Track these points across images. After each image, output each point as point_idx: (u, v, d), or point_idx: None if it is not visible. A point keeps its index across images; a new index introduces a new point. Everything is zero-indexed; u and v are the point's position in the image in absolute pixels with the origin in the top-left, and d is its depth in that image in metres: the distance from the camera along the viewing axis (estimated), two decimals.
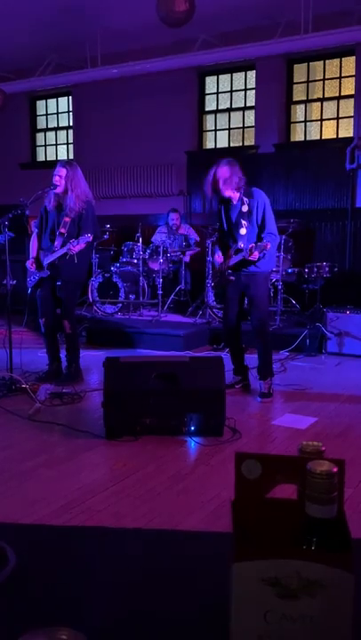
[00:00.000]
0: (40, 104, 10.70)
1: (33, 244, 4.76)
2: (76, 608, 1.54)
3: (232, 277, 4.27)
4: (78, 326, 5.64)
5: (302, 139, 8.55)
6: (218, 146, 9.13)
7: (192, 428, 3.36)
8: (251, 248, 4.03)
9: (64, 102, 10.43)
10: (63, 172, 4.49)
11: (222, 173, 4.15)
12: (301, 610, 0.88)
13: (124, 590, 1.59)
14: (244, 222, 4.17)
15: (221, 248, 4.48)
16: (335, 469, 0.90)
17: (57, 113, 10.58)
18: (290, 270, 6.90)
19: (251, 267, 4.22)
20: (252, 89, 8.72)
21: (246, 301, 4.41)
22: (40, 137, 10.81)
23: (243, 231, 4.17)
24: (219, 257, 4.45)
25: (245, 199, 4.17)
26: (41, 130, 10.78)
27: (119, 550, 1.98)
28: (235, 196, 4.21)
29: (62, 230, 4.49)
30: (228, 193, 4.19)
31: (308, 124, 8.52)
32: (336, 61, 8.18)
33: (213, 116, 9.19)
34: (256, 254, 4.02)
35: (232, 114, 9.05)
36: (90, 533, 2.22)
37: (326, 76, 8.32)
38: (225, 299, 4.53)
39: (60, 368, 4.74)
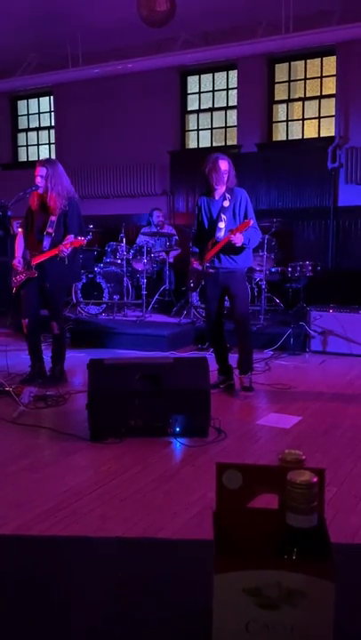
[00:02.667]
0: (21, 104, 10.63)
1: (18, 244, 4.68)
2: (55, 622, 1.54)
3: (211, 270, 4.31)
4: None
5: (284, 138, 8.59)
6: (200, 146, 9.14)
7: (177, 429, 3.36)
8: (233, 230, 4.08)
9: (45, 102, 10.37)
10: (43, 171, 4.47)
11: (224, 166, 4.22)
12: (283, 619, 0.89)
13: (105, 601, 1.59)
14: (223, 217, 4.24)
15: (198, 245, 4.52)
16: (315, 479, 0.90)
17: (38, 113, 10.52)
18: (273, 269, 6.94)
19: (229, 263, 4.26)
20: (234, 88, 8.74)
21: (227, 300, 4.46)
22: (22, 137, 10.74)
23: (221, 225, 4.24)
24: (195, 261, 4.48)
25: (227, 195, 4.24)
26: (22, 130, 10.72)
27: (101, 559, 1.97)
28: (219, 191, 4.26)
29: (50, 230, 4.46)
30: (220, 186, 4.25)
31: (289, 123, 8.56)
32: (317, 61, 8.23)
33: (196, 115, 9.19)
34: (240, 236, 4.07)
35: (214, 113, 9.07)
36: (71, 542, 2.21)
37: (308, 76, 8.36)
38: (205, 298, 4.57)
39: (42, 369, 4.71)
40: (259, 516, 1.03)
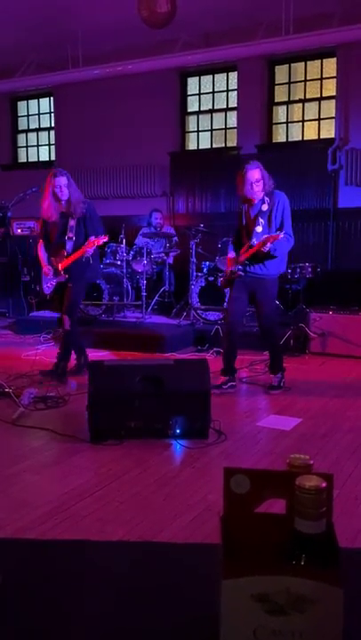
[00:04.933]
0: (21, 105, 10.62)
1: (42, 253, 4.88)
2: (55, 626, 1.53)
3: (241, 273, 4.34)
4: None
5: (284, 140, 8.59)
6: (200, 147, 9.14)
7: (177, 431, 3.35)
8: (265, 238, 4.13)
9: (45, 103, 10.36)
10: (64, 180, 4.64)
11: (254, 175, 4.23)
12: (291, 625, 0.87)
13: (109, 606, 1.58)
14: (261, 220, 4.27)
15: (235, 246, 4.57)
16: (324, 485, 0.89)
17: (38, 114, 10.51)
18: None
19: (258, 268, 4.29)
20: (234, 90, 8.73)
21: (253, 305, 4.53)
22: (21, 138, 10.73)
23: (259, 229, 4.26)
24: (230, 253, 4.52)
25: (267, 199, 4.27)
26: (22, 131, 10.70)
27: (102, 565, 1.96)
28: (259, 195, 4.27)
29: (70, 235, 4.70)
30: (258, 195, 4.28)
31: (289, 125, 8.56)
32: (317, 63, 8.22)
33: (196, 117, 9.19)
34: (268, 245, 4.10)
35: (214, 115, 9.06)
36: (71, 545, 2.20)
37: (308, 78, 8.36)
38: (229, 296, 4.61)
39: (86, 361, 4.84)
40: (266, 521, 1.01)
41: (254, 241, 4.26)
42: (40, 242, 4.89)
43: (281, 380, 4.56)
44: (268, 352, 4.64)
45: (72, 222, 4.65)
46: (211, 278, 6.70)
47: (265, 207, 4.27)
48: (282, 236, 4.10)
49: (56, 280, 4.78)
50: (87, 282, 5.14)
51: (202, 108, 9.13)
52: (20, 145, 10.73)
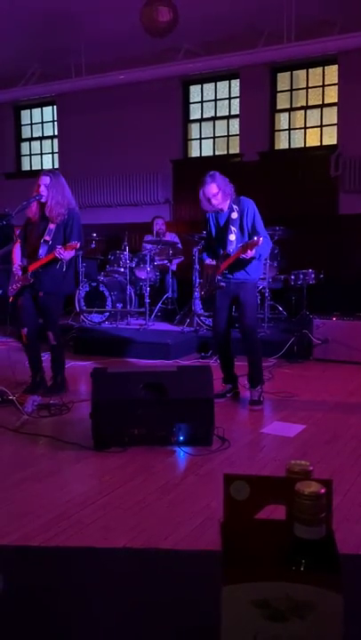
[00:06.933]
0: (24, 113, 10.69)
1: (16, 253, 4.66)
2: (58, 634, 1.53)
3: (222, 283, 4.29)
4: (65, 336, 5.61)
5: (286, 146, 8.62)
6: (203, 154, 9.18)
7: (181, 438, 3.35)
8: (243, 245, 4.06)
9: (48, 111, 10.43)
10: (47, 180, 4.47)
11: (211, 191, 4.16)
12: (291, 631, 0.88)
13: (112, 613, 1.58)
14: (233, 228, 4.21)
15: (210, 256, 4.52)
16: (323, 490, 0.90)
17: (42, 122, 10.58)
18: (276, 277, 6.93)
19: (240, 274, 4.25)
20: (237, 97, 8.78)
21: (235, 309, 4.44)
22: (25, 146, 10.79)
23: (232, 237, 4.21)
24: (208, 260, 4.48)
25: (235, 206, 4.23)
26: (26, 139, 10.77)
27: (106, 571, 1.96)
28: (221, 206, 4.25)
29: (47, 238, 4.45)
30: (222, 206, 4.24)
31: (292, 131, 8.59)
32: (319, 70, 8.26)
33: (198, 124, 9.23)
34: (250, 253, 4.04)
35: (217, 122, 9.11)
36: (74, 553, 2.20)
37: (310, 85, 8.40)
38: (214, 307, 4.54)
39: (43, 380, 4.67)
40: (266, 528, 1.02)
41: (231, 249, 4.22)
42: (17, 242, 4.65)
43: (261, 394, 4.35)
44: (248, 362, 4.39)
45: (52, 226, 4.44)
46: None
47: (235, 215, 4.21)
48: (261, 240, 4.07)
49: (21, 283, 4.51)
50: (64, 294, 4.90)
51: (204, 116, 9.18)
52: (23, 153, 10.80)
